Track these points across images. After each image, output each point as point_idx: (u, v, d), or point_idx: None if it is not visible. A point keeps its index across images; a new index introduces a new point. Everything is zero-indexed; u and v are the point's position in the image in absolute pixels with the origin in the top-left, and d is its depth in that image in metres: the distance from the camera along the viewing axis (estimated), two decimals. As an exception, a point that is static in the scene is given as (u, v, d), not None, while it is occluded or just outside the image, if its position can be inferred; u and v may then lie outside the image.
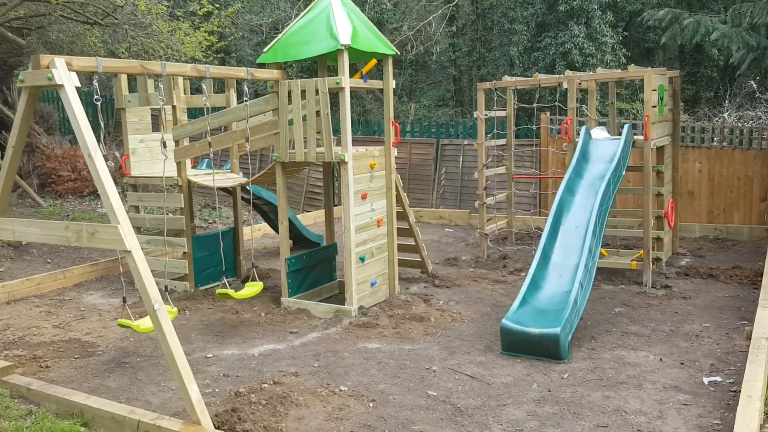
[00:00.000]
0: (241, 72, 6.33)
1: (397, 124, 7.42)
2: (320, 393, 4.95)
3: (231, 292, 6.32)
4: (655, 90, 7.61)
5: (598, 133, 8.03)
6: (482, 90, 9.50)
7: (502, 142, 10.18)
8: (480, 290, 7.92)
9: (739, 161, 10.31)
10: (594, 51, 16.80)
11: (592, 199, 6.84)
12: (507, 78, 9.49)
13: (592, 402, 4.76)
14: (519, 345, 5.73)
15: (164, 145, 5.59)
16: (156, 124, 8.83)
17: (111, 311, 7.38)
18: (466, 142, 13.01)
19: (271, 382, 5.16)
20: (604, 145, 7.62)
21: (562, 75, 8.80)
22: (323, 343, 6.15)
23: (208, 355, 5.87)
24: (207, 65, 5.93)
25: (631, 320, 6.62)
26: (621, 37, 17.61)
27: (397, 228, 8.32)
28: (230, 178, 8.28)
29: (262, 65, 7.08)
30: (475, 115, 9.56)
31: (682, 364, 5.47)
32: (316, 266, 7.66)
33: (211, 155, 6.63)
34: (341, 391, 5.00)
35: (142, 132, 8.43)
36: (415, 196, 13.54)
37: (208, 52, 12.66)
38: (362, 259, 7.04)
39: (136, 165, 8.32)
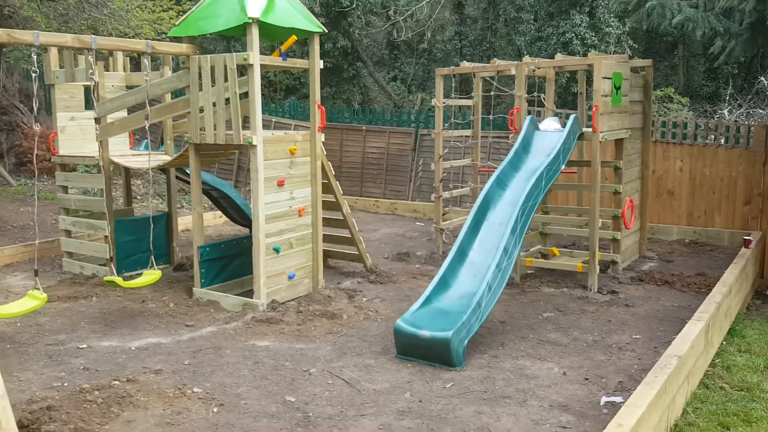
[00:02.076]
0: (139, 44, 5.93)
1: (323, 108, 6.93)
2: (169, 394, 4.53)
3: (118, 279, 5.96)
4: (607, 78, 6.97)
5: (550, 124, 7.42)
6: (440, 76, 8.94)
7: (468, 132, 9.62)
8: (415, 287, 7.41)
9: (723, 160, 9.54)
10: (597, 42, 16.01)
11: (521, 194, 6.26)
12: (465, 63, 8.92)
13: (459, 417, 4.23)
14: (412, 349, 5.22)
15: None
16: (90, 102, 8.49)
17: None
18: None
19: (126, 379, 4.76)
20: (549, 137, 7.01)
21: (520, 61, 8.17)
22: (213, 338, 5.73)
23: (82, 346, 5.50)
24: (93, 36, 5.53)
25: (555, 327, 6.04)
26: (628, 28, 16.70)
27: (334, 219, 7.88)
28: (156, 160, 7.88)
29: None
30: (433, 103, 9.01)
31: (587, 379, 4.90)
32: (238, 256, 7.23)
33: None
34: (193, 393, 4.57)
35: (74, 110, 8.10)
36: (392, 188, 13.04)
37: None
38: (277, 250, 6.60)
39: (66, 144, 7.99)
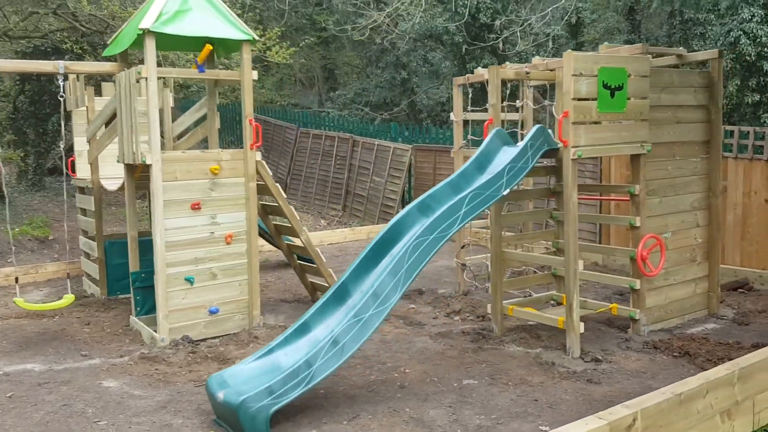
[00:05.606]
0: (47, 66, 5.85)
1: (257, 123, 6.22)
2: (-73, 430, 4.23)
3: (19, 301, 5.91)
4: (588, 76, 5.26)
5: (537, 137, 5.83)
6: (458, 85, 7.66)
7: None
8: (383, 330, 6.30)
9: None
10: (775, 39, 12.81)
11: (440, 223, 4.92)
12: (479, 70, 7.52)
13: None
14: (218, 412, 4.31)
15: None
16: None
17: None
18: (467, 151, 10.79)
19: None
20: (510, 153, 5.48)
21: (530, 63, 6.63)
22: (79, 372, 5.34)
23: (-40, 368, 5.49)
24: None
25: (455, 401, 4.60)
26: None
27: (300, 248, 7.11)
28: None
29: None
30: (451, 117, 7.75)
31: (385, 483, 3.55)
32: (190, 284, 6.80)
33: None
34: (-50, 432, 4.22)
35: (91, 134, 8.42)
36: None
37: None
38: (189, 281, 6.02)
39: (83, 168, 8.31)
